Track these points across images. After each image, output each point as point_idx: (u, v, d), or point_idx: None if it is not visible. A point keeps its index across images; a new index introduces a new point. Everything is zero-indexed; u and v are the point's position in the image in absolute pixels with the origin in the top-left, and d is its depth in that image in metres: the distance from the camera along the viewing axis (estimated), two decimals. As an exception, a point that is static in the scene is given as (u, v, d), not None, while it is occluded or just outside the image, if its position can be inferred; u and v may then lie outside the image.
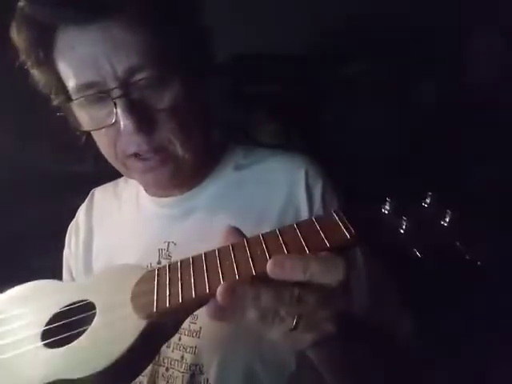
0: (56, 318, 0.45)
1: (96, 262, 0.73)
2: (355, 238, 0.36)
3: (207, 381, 0.59)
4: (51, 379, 0.38)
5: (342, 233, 0.37)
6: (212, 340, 0.59)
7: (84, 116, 0.58)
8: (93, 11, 0.50)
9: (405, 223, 0.36)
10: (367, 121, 1.90)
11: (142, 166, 0.59)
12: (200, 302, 0.37)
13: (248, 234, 0.59)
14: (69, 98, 0.57)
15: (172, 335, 0.42)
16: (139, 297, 0.41)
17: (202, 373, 0.59)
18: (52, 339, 0.43)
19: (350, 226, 0.37)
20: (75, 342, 0.40)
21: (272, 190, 0.65)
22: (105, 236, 0.75)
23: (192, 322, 0.60)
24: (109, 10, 0.51)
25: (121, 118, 0.53)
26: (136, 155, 0.58)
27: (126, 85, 0.53)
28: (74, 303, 0.45)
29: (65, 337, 0.42)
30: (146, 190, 0.73)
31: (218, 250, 0.41)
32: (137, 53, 0.52)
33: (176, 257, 0.64)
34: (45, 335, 0.43)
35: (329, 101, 2.03)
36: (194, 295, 0.37)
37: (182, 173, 0.62)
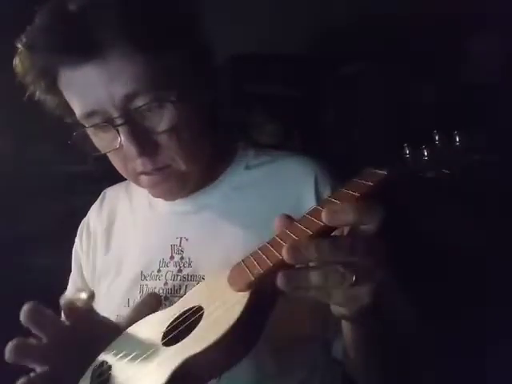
0: (169, 329, 0.48)
1: (106, 260, 0.75)
2: (391, 176, 0.41)
3: None
4: (176, 365, 0.41)
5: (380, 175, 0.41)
6: None
7: (95, 139, 0.63)
8: (85, 53, 0.54)
9: (425, 152, 0.41)
10: (367, 121, 1.90)
11: (149, 181, 0.63)
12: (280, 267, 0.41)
13: (259, 232, 0.63)
14: (79, 124, 0.62)
15: (272, 307, 0.45)
16: (235, 279, 0.44)
17: None
18: (169, 337, 0.46)
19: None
20: (195, 329, 0.44)
21: (282, 191, 0.68)
22: (116, 234, 0.77)
23: None
24: (100, 49, 0.54)
25: (124, 144, 0.57)
26: (143, 172, 0.62)
27: (126, 113, 0.57)
28: (180, 315, 0.48)
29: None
30: None
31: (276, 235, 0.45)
32: (131, 81, 0.55)
33: (188, 252, 0.67)
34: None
35: (329, 101, 2.04)
36: (279, 256, 0.40)
37: (187, 184, 0.66)
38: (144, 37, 0.55)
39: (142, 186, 0.66)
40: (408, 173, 0.42)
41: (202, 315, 0.45)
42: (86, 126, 0.60)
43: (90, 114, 0.58)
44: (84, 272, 0.78)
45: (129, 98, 0.56)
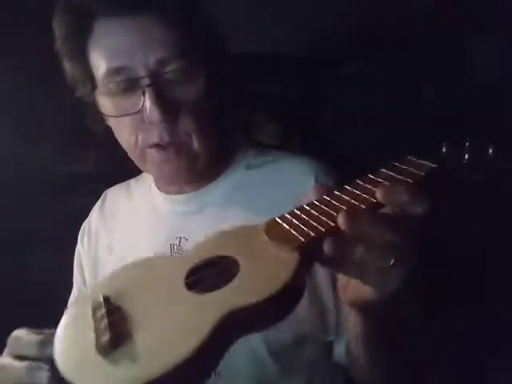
0: (193, 271, 0.45)
1: (109, 260, 0.75)
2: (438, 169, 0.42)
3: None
4: (225, 312, 0.39)
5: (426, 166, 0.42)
6: None
7: (108, 104, 0.62)
8: (131, 5, 0.56)
9: (466, 156, 0.43)
10: (367, 120, 1.90)
11: (159, 156, 0.62)
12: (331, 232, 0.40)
13: None
14: (96, 87, 0.62)
15: (308, 273, 0.43)
16: (278, 238, 0.43)
17: None
18: (203, 287, 0.43)
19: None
20: (235, 280, 0.42)
21: (282, 191, 0.68)
22: (118, 234, 0.77)
23: None
24: (146, 6, 0.57)
25: (148, 106, 0.57)
26: (156, 146, 0.61)
27: (155, 75, 0.58)
28: (208, 260, 0.46)
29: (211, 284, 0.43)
30: (158, 188, 0.75)
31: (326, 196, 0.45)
32: (168, 46, 0.57)
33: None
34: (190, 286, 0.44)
35: (329, 101, 2.04)
36: (332, 223, 0.40)
37: (195, 167, 0.65)
38: (185, 7, 0.58)
39: (148, 163, 0.65)
40: (452, 171, 0.43)
41: (238, 267, 0.43)
42: (107, 85, 0.60)
43: (117, 70, 0.58)
44: (85, 272, 0.78)
45: (162, 62, 0.57)
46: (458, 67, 1.74)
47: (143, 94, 0.57)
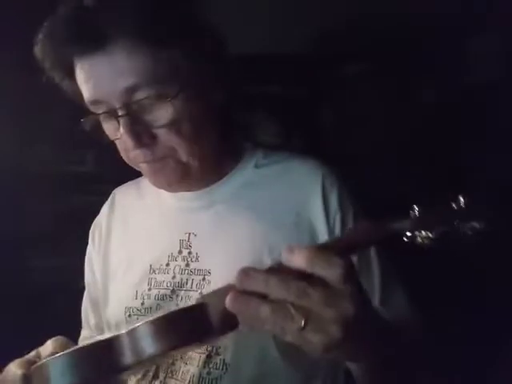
0: None
1: (120, 255, 0.77)
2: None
3: (223, 361, 0.63)
4: None
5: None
6: None
7: (104, 126, 0.65)
8: (93, 45, 0.58)
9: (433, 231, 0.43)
10: (367, 121, 1.90)
11: (149, 169, 0.65)
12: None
13: (265, 230, 0.67)
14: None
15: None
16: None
17: (218, 354, 0.63)
18: None
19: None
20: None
21: (289, 191, 0.70)
22: (130, 230, 0.79)
23: None
24: (106, 42, 0.57)
25: (122, 135, 0.60)
26: (143, 161, 0.64)
27: (127, 105, 0.59)
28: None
29: None
30: None
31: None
32: (132, 74, 0.58)
33: (196, 247, 0.70)
34: None
35: (329, 101, 2.04)
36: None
37: (190, 175, 0.66)
38: (145, 32, 0.57)
39: (144, 174, 0.68)
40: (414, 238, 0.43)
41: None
42: (93, 112, 0.62)
43: (94, 103, 0.61)
44: (96, 272, 0.79)
45: (129, 90, 0.58)
46: (458, 67, 1.74)
47: (118, 123, 0.59)
